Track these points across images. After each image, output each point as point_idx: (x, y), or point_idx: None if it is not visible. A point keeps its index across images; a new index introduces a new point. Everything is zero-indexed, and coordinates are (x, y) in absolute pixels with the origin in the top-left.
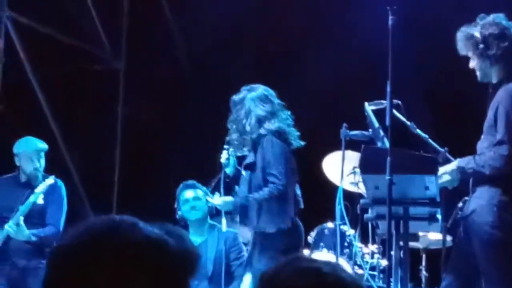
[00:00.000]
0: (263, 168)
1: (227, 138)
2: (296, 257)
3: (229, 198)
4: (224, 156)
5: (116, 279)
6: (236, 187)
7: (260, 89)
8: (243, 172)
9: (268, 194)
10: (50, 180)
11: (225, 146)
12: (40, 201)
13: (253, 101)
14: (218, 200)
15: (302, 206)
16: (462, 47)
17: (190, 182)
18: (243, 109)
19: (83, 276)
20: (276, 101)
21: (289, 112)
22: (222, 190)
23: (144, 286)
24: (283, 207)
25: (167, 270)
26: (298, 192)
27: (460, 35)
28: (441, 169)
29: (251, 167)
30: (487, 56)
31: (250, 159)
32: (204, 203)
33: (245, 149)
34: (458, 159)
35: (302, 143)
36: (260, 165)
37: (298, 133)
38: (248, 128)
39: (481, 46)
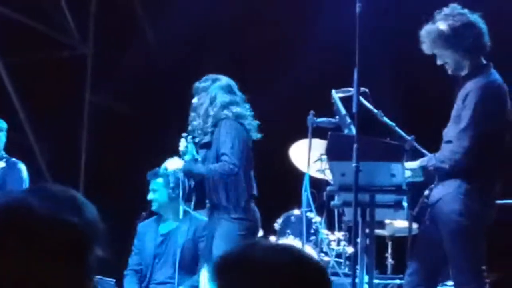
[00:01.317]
0: (217, 148)
1: (189, 126)
2: (257, 240)
3: (177, 160)
4: (182, 144)
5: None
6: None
7: (225, 79)
8: (198, 157)
9: (219, 168)
10: (1, 163)
11: (183, 134)
12: None
13: (218, 90)
14: (169, 164)
15: (255, 192)
16: (429, 46)
17: (152, 171)
18: (208, 96)
19: None
20: (239, 93)
21: (249, 105)
22: (180, 180)
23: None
24: (237, 186)
25: (63, 246)
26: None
27: (425, 34)
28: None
29: (207, 145)
30: (462, 47)
31: (206, 139)
32: (162, 193)
33: (206, 137)
34: (421, 159)
35: (259, 135)
36: (215, 145)
37: (257, 124)
38: (211, 113)
39: (455, 38)
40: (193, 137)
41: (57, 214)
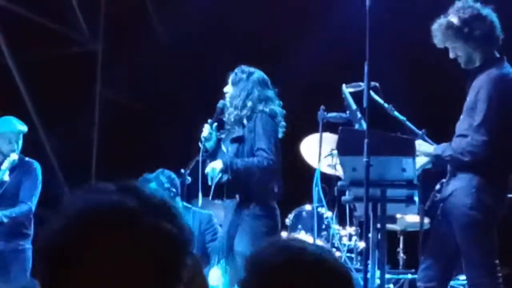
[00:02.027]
0: (252, 142)
1: (216, 116)
2: (280, 238)
3: (217, 161)
4: (206, 130)
5: (111, 262)
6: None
7: (260, 73)
8: (223, 148)
9: (256, 162)
10: (14, 155)
11: (209, 121)
12: (6, 177)
13: (255, 83)
14: (211, 166)
15: (277, 190)
16: (441, 39)
17: (142, 177)
18: (245, 88)
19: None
20: (272, 88)
21: (280, 102)
22: (200, 165)
23: (140, 271)
24: (267, 183)
25: (162, 253)
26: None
27: (437, 27)
28: (421, 147)
29: (239, 140)
30: (472, 39)
31: (238, 133)
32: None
33: (238, 130)
34: (434, 146)
35: (281, 135)
36: (249, 138)
37: (284, 125)
38: (248, 105)
39: (466, 30)
40: (219, 129)
41: (158, 221)
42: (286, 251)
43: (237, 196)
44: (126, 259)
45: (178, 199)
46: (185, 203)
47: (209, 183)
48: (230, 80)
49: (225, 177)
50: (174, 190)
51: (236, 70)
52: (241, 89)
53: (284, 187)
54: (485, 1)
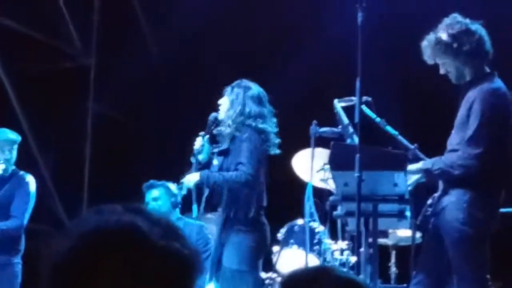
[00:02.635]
0: (235, 156)
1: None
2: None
3: (195, 173)
4: (198, 142)
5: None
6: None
7: (257, 89)
8: (215, 161)
9: (234, 177)
10: (1, 165)
11: (201, 133)
12: None
13: (249, 99)
14: (186, 178)
15: (265, 204)
16: (431, 55)
17: (149, 182)
18: (238, 103)
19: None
20: (268, 106)
21: (275, 120)
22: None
23: None
24: (251, 197)
25: (173, 274)
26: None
27: (426, 43)
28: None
29: (224, 153)
30: (462, 53)
31: (224, 146)
32: (165, 201)
33: (224, 144)
34: (422, 162)
35: (278, 151)
36: (234, 153)
37: (278, 141)
38: (237, 120)
39: (455, 45)
40: (212, 142)
41: (169, 243)
42: (318, 268)
43: (219, 209)
44: (137, 280)
45: (178, 209)
46: (179, 215)
47: (184, 192)
48: (226, 93)
49: (207, 191)
50: (179, 199)
51: (233, 84)
52: (234, 104)
53: (276, 201)
54: (474, 17)
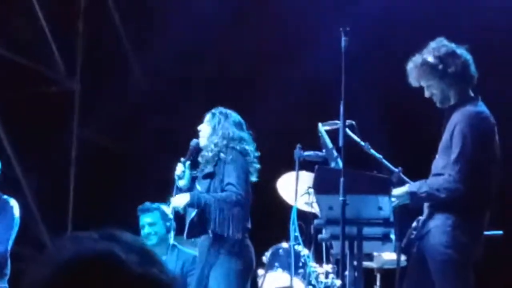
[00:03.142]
0: (222, 178)
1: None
2: None
3: (185, 194)
4: (179, 168)
5: None
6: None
7: (236, 116)
8: (198, 186)
9: (225, 197)
10: None
11: (182, 159)
12: None
13: (231, 125)
14: (175, 200)
15: (250, 227)
16: (416, 77)
17: (144, 206)
18: (220, 130)
19: None
20: (247, 132)
21: (255, 145)
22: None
23: None
24: (239, 220)
25: None
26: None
27: (412, 65)
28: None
29: (210, 175)
30: (447, 75)
31: (208, 170)
32: (161, 225)
33: (209, 167)
34: (408, 185)
35: (255, 179)
36: (220, 175)
37: (258, 167)
38: (220, 144)
39: (440, 66)
40: (193, 168)
41: (146, 269)
42: None
43: (209, 232)
44: None
45: (172, 233)
46: (173, 242)
47: (171, 215)
48: (207, 120)
49: (193, 213)
50: (174, 223)
51: (213, 111)
52: (216, 129)
53: (261, 224)
54: (459, 41)
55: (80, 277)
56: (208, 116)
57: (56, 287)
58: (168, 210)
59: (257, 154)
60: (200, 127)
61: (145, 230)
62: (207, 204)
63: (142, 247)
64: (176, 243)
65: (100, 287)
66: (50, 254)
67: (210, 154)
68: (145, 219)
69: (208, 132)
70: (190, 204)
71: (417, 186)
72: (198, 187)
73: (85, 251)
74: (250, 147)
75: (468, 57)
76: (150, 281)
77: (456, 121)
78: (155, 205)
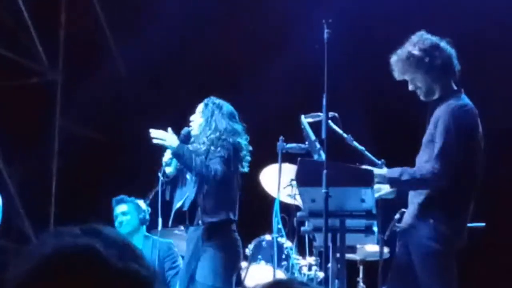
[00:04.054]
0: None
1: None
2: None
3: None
4: (167, 155)
5: None
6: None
7: (228, 107)
8: (188, 176)
9: (203, 168)
10: None
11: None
12: None
13: (224, 115)
14: (169, 138)
15: (236, 218)
16: (400, 70)
17: (119, 197)
18: (212, 121)
19: None
20: (240, 123)
21: (247, 137)
22: (160, 189)
23: None
24: (229, 211)
25: None
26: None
27: (396, 58)
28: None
29: None
30: (433, 68)
31: None
32: (134, 216)
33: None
34: (389, 170)
35: (246, 170)
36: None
37: (249, 159)
38: (211, 137)
39: (427, 59)
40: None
41: (127, 264)
42: (272, 282)
43: (200, 222)
44: None
45: (145, 227)
46: (146, 233)
47: (168, 159)
48: (199, 110)
49: (187, 204)
50: (147, 216)
51: (206, 101)
52: (209, 120)
53: (243, 216)
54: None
55: (59, 271)
56: (200, 107)
57: (36, 281)
58: (142, 204)
59: (250, 147)
60: (192, 117)
61: (118, 219)
62: (187, 163)
63: (124, 241)
64: (149, 234)
65: (80, 281)
66: (31, 249)
67: (203, 147)
68: (118, 209)
69: (200, 122)
70: (175, 151)
71: (398, 172)
72: (188, 176)
73: (66, 246)
74: (242, 140)
75: (451, 50)
76: (131, 275)
77: (440, 115)
78: (130, 198)
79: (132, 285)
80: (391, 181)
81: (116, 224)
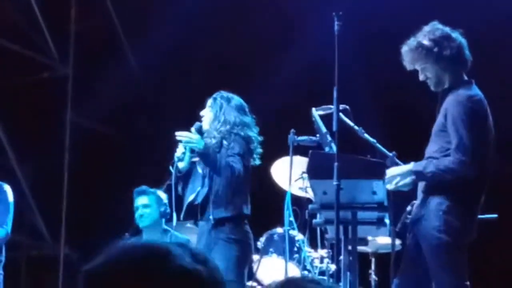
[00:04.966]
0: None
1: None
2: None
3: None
4: (180, 150)
5: None
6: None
7: (238, 100)
8: (199, 169)
9: (234, 168)
10: None
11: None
12: None
13: (233, 108)
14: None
15: (249, 213)
16: (411, 60)
17: (141, 188)
18: (222, 115)
19: None
20: (250, 115)
21: (258, 130)
22: (173, 184)
23: None
24: (241, 205)
25: None
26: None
27: (407, 48)
28: (394, 171)
29: None
30: (442, 58)
31: None
32: (155, 209)
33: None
34: (412, 163)
35: (259, 162)
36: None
37: (260, 152)
38: (223, 130)
39: (436, 49)
40: (193, 151)
41: (194, 265)
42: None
43: (210, 217)
44: None
45: (164, 220)
46: (165, 226)
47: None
48: (208, 105)
49: (199, 198)
50: (168, 209)
51: (215, 95)
52: (218, 114)
53: (255, 210)
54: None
55: (128, 272)
56: (209, 101)
57: (114, 274)
58: (163, 196)
59: (260, 138)
60: (202, 113)
61: (139, 211)
62: (210, 160)
63: (189, 243)
64: (168, 228)
65: (149, 281)
66: (113, 247)
67: (214, 141)
68: (140, 201)
69: (210, 117)
70: (202, 152)
71: (422, 165)
72: (200, 170)
73: (134, 247)
74: (253, 133)
75: (463, 41)
76: (198, 276)
77: (450, 105)
78: (152, 189)
79: (199, 285)
80: (417, 175)
81: (136, 216)
